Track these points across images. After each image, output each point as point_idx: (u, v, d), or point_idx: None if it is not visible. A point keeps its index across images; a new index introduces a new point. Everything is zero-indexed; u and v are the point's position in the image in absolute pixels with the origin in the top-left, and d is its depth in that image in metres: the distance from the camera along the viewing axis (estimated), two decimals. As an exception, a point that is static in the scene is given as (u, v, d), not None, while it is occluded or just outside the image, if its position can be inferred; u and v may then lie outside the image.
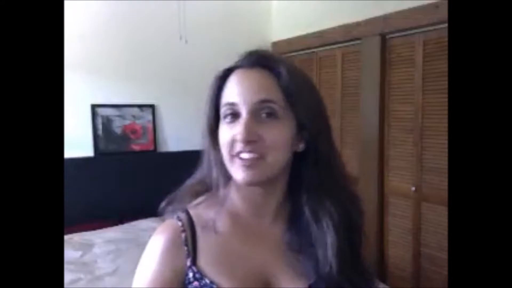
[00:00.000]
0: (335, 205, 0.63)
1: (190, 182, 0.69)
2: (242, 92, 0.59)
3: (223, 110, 0.61)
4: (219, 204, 0.64)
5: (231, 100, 0.59)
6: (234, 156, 0.59)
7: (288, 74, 0.60)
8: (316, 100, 0.64)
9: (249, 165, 0.58)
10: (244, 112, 0.58)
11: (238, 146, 0.58)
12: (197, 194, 0.68)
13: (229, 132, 0.59)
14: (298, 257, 0.64)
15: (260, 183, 0.61)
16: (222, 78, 0.63)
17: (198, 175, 0.69)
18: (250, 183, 0.60)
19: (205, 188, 0.68)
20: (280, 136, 0.60)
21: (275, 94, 0.59)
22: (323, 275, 0.61)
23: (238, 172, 0.59)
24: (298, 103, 0.60)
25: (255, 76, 0.60)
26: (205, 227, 0.63)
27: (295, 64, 0.65)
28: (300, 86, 0.61)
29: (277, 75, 0.60)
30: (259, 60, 0.61)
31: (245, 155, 0.58)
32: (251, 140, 0.57)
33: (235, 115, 0.59)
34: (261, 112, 0.59)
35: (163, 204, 0.68)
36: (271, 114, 0.59)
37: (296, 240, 0.65)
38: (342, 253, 0.61)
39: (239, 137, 0.57)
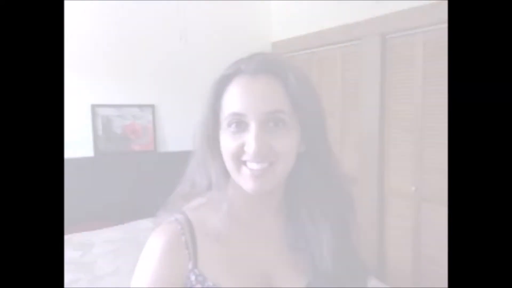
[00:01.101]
0: (330, 204, 0.63)
1: (181, 185, 0.68)
2: (249, 102, 0.57)
3: (228, 120, 0.58)
4: (222, 207, 0.63)
5: (237, 110, 0.57)
6: (240, 164, 0.58)
7: (295, 80, 0.58)
8: (318, 103, 0.63)
9: (259, 175, 0.57)
10: (252, 124, 0.57)
11: (247, 156, 0.57)
12: (189, 197, 0.67)
13: (234, 141, 0.58)
14: (297, 254, 0.64)
15: (269, 191, 0.60)
16: (223, 83, 0.60)
17: (188, 177, 0.68)
18: (260, 193, 0.59)
19: (198, 191, 0.67)
20: (289, 144, 0.59)
21: (284, 103, 0.58)
22: (320, 272, 0.62)
23: (247, 182, 0.58)
24: (305, 108, 0.59)
25: (262, 84, 0.58)
26: (206, 230, 0.62)
27: (297, 64, 0.63)
28: (306, 92, 0.60)
29: (284, 81, 0.58)
30: (263, 65, 0.58)
31: (254, 165, 0.57)
32: (262, 152, 0.56)
33: (240, 124, 0.58)
34: (269, 122, 0.57)
35: (159, 212, 0.66)
36: (279, 123, 0.58)
37: (294, 238, 0.65)
38: (337, 251, 0.62)
39: (250, 150, 0.56)
